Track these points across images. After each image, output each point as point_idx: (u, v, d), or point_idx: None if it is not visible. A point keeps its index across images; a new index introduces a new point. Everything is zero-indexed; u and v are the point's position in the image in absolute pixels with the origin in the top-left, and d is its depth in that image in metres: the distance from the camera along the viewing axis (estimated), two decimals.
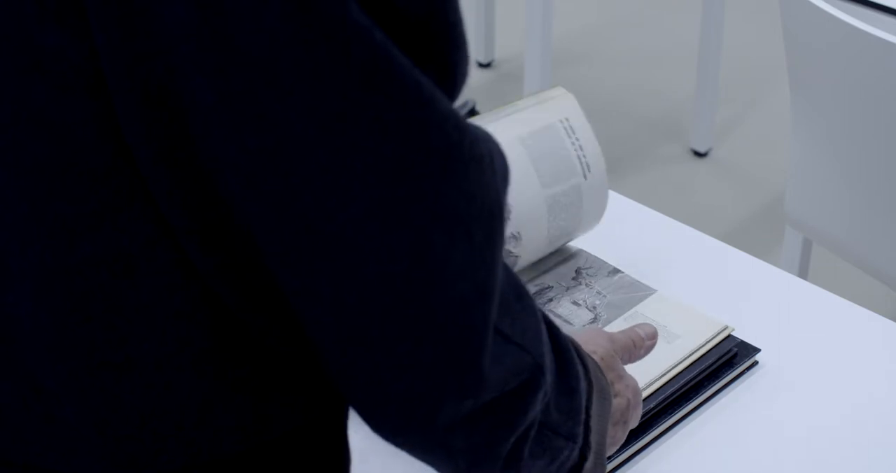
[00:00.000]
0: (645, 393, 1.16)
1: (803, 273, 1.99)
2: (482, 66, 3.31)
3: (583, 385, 0.87)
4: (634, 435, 1.13)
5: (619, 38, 3.48)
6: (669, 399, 1.16)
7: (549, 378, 0.80)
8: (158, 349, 0.74)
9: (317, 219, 0.68)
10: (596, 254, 1.32)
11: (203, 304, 0.74)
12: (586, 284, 1.28)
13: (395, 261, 0.69)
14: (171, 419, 0.76)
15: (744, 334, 1.24)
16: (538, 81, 2.80)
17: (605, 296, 1.26)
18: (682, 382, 1.17)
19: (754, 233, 2.78)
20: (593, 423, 0.89)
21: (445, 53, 0.70)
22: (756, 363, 1.23)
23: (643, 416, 1.14)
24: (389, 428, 0.76)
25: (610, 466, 1.11)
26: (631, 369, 1.16)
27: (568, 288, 1.27)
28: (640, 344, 1.03)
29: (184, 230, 0.71)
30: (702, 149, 3.03)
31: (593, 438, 0.89)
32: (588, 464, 0.88)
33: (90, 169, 0.70)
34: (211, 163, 0.68)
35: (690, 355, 1.19)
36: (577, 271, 1.29)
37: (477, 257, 0.72)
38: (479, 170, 0.71)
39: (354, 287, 0.69)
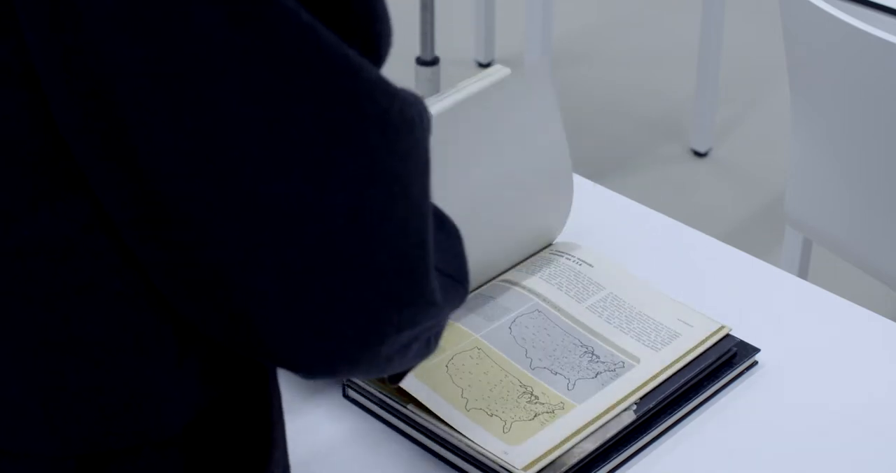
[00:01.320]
0: (643, 392, 1.16)
1: (803, 273, 1.99)
2: (482, 66, 3.31)
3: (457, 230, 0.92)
4: (635, 435, 1.13)
5: (619, 38, 3.48)
6: (669, 399, 1.16)
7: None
8: (101, 329, 0.76)
9: (258, 190, 0.71)
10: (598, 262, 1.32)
11: (144, 286, 0.76)
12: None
13: (332, 220, 0.72)
14: (117, 397, 0.78)
15: (743, 334, 1.24)
16: None
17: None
18: (681, 382, 1.17)
19: (754, 233, 2.78)
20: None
21: (368, 26, 0.75)
22: (756, 363, 1.23)
23: (643, 416, 1.14)
24: (331, 370, 0.79)
25: (610, 466, 1.11)
26: (628, 377, 1.16)
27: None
28: None
29: (121, 219, 0.73)
30: (702, 149, 3.03)
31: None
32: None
33: (25, 158, 0.72)
34: (148, 150, 0.70)
35: (688, 354, 1.19)
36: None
37: (414, 210, 0.76)
38: (410, 131, 0.75)
39: (298, 250, 0.73)
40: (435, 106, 1.20)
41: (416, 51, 2.91)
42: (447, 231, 0.86)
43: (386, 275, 0.75)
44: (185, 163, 0.70)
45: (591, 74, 3.31)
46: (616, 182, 2.85)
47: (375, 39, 0.75)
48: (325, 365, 0.78)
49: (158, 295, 0.77)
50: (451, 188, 1.19)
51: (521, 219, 1.28)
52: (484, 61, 3.31)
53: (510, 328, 1.20)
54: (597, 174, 2.82)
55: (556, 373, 1.16)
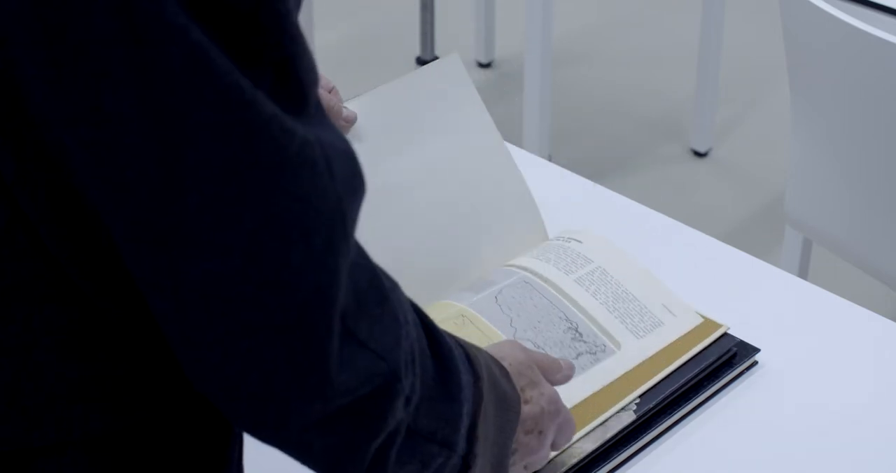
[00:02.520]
0: (640, 392, 1.16)
1: (803, 273, 1.99)
2: (482, 65, 3.31)
3: (466, 393, 0.87)
4: (635, 435, 1.13)
5: (619, 38, 3.48)
6: (669, 399, 1.16)
7: (407, 385, 0.80)
8: (25, 331, 0.76)
9: (153, 210, 0.70)
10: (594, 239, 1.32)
11: (68, 289, 0.76)
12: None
13: (228, 259, 0.70)
14: (40, 397, 0.78)
15: (743, 334, 1.24)
16: (538, 81, 2.80)
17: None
18: (681, 382, 1.17)
19: (754, 233, 2.78)
20: (481, 431, 0.88)
21: (281, 46, 0.71)
22: (756, 363, 1.23)
23: (643, 416, 1.14)
24: (243, 424, 0.78)
25: (610, 466, 1.11)
26: (606, 365, 1.16)
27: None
28: (555, 367, 1.03)
29: (36, 219, 0.73)
30: (702, 149, 3.03)
31: (481, 446, 0.88)
32: (476, 471, 0.89)
33: None
34: (55, 154, 0.70)
35: (686, 353, 1.19)
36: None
37: (317, 262, 0.72)
38: (312, 174, 0.72)
39: (192, 282, 0.71)
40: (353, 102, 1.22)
41: (416, 51, 2.91)
42: (386, 309, 0.79)
43: (280, 329, 0.72)
44: (85, 173, 0.70)
45: (591, 74, 3.31)
46: (616, 182, 2.84)
47: (292, 61, 0.72)
48: (235, 411, 0.76)
49: (83, 299, 0.76)
50: (403, 206, 1.20)
51: (478, 207, 1.29)
52: (484, 61, 3.31)
53: (496, 298, 1.20)
54: (597, 174, 2.82)
55: (538, 347, 1.16)
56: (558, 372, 1.03)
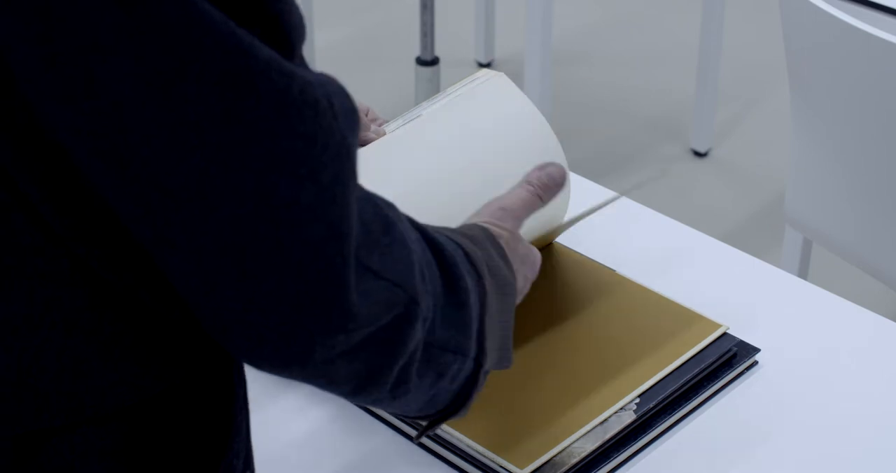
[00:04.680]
0: (639, 391, 1.16)
1: (803, 273, 1.99)
2: (482, 66, 3.31)
3: (473, 296, 0.88)
4: (635, 435, 1.13)
5: (619, 38, 3.48)
6: (669, 399, 1.16)
7: (425, 307, 0.82)
8: (28, 309, 0.77)
9: (160, 172, 0.71)
10: (596, 254, 1.32)
11: (69, 264, 0.76)
12: None
13: (241, 203, 0.72)
14: (48, 376, 0.78)
15: (743, 334, 1.24)
16: (538, 81, 2.80)
17: None
18: (681, 382, 1.17)
19: (754, 233, 2.78)
20: (489, 326, 0.90)
21: (268, 5, 0.73)
22: (756, 363, 1.23)
23: (643, 416, 1.14)
24: (269, 366, 0.78)
25: (610, 466, 1.11)
26: (624, 372, 1.16)
27: None
28: (546, 193, 1.04)
29: (37, 199, 0.74)
30: (702, 149, 3.03)
31: (490, 341, 0.90)
32: (487, 367, 0.91)
33: None
34: (51, 130, 0.70)
35: (685, 353, 1.19)
36: None
37: (326, 197, 0.74)
38: (315, 112, 0.73)
39: (207, 232, 0.72)
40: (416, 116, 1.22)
41: (416, 51, 2.91)
42: (394, 236, 0.81)
43: (299, 265, 0.74)
44: (86, 145, 0.70)
45: (591, 74, 3.31)
46: (616, 182, 2.85)
47: (279, 18, 0.73)
48: (259, 356, 0.77)
49: (85, 274, 0.77)
50: (442, 195, 1.20)
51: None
52: (484, 61, 3.31)
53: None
54: (597, 174, 2.82)
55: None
56: (549, 191, 1.04)
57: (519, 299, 1.00)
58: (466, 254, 0.90)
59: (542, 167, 1.05)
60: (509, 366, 0.97)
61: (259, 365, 0.79)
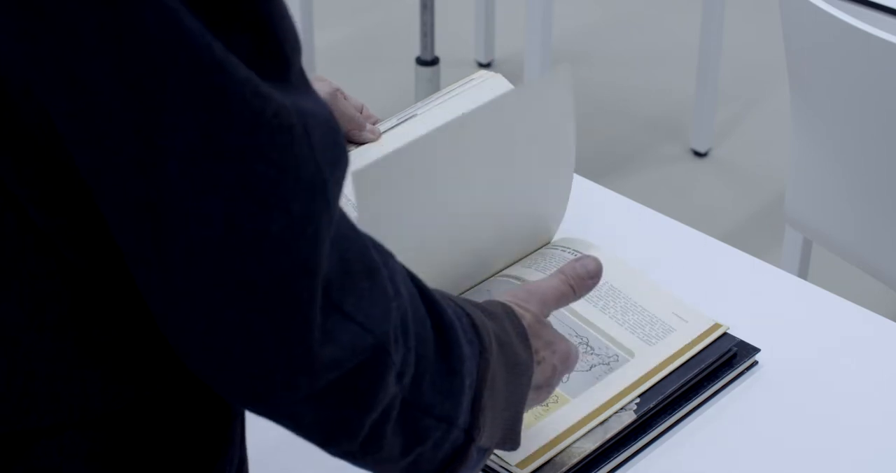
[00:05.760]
0: (640, 391, 1.16)
1: (803, 273, 1.99)
2: (482, 66, 3.31)
3: (469, 365, 0.86)
4: (635, 435, 1.13)
5: (619, 38, 3.48)
6: (669, 399, 1.16)
7: (398, 360, 0.80)
8: (17, 311, 0.76)
9: (135, 178, 0.70)
10: (595, 254, 1.32)
11: (59, 266, 0.76)
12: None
13: (210, 227, 0.70)
14: (36, 378, 0.78)
15: (743, 334, 1.24)
16: None
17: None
18: (681, 382, 1.17)
19: (754, 233, 2.78)
20: (487, 401, 0.88)
21: (256, 7, 0.71)
22: (756, 363, 1.23)
23: (643, 416, 1.14)
24: (235, 399, 0.78)
25: (610, 466, 1.11)
26: (621, 372, 1.16)
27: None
28: (580, 285, 1.03)
29: (25, 199, 0.73)
30: (702, 149, 3.03)
31: (488, 415, 0.88)
32: (482, 443, 0.89)
33: None
34: (39, 132, 0.70)
35: (684, 351, 1.19)
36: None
37: (296, 229, 0.72)
38: (289, 140, 0.71)
39: (176, 250, 0.71)
40: (432, 109, 1.20)
41: (416, 51, 2.91)
42: (376, 281, 0.78)
43: (264, 296, 0.72)
44: (68, 145, 0.70)
45: (591, 74, 3.31)
46: (616, 182, 2.85)
47: (269, 24, 0.71)
48: (221, 383, 0.76)
49: (75, 277, 0.76)
50: (458, 191, 1.19)
51: (521, 218, 1.28)
52: (484, 61, 3.31)
53: None
54: (597, 174, 2.82)
55: None
56: (581, 288, 1.03)
57: (546, 390, 0.98)
58: (473, 325, 0.88)
59: (577, 259, 1.04)
60: (515, 449, 0.95)
61: (223, 394, 0.78)
